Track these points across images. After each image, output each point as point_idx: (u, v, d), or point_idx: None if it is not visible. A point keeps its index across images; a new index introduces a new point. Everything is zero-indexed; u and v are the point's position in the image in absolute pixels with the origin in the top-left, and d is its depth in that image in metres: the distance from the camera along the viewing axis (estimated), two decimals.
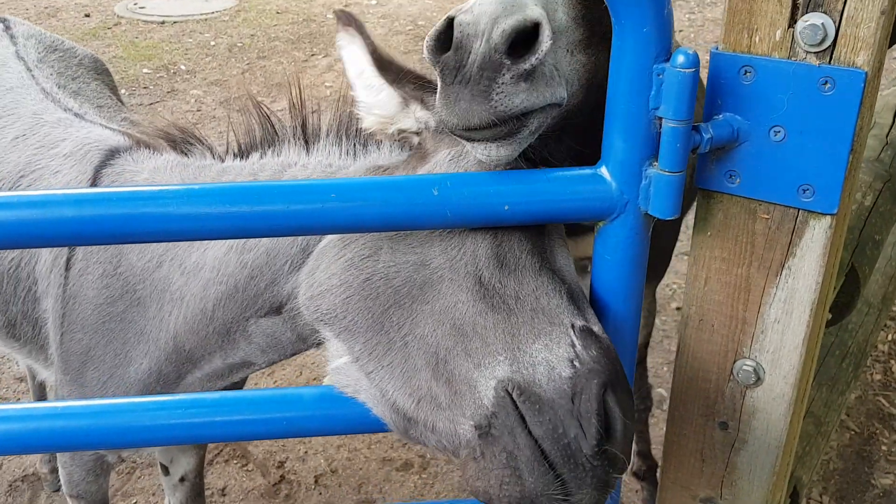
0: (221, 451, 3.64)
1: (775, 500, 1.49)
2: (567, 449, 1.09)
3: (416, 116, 1.44)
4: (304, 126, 1.60)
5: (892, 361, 4.21)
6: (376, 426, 1.37)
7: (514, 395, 1.13)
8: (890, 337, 4.39)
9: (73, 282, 1.80)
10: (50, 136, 2.07)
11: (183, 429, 1.36)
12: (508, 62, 1.14)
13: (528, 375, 1.13)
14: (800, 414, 1.44)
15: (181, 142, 1.80)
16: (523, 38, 1.15)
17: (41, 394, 3.42)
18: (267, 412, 1.38)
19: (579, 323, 1.17)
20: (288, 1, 9.51)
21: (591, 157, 1.30)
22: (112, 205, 1.15)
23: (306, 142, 1.60)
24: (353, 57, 1.50)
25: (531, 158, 1.33)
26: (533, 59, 1.14)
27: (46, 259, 1.91)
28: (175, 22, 8.76)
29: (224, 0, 9.44)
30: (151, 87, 7.26)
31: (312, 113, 1.60)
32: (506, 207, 1.20)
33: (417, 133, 1.44)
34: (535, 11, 1.15)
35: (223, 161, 1.71)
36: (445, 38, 1.18)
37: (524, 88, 1.16)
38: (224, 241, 1.58)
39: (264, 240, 1.53)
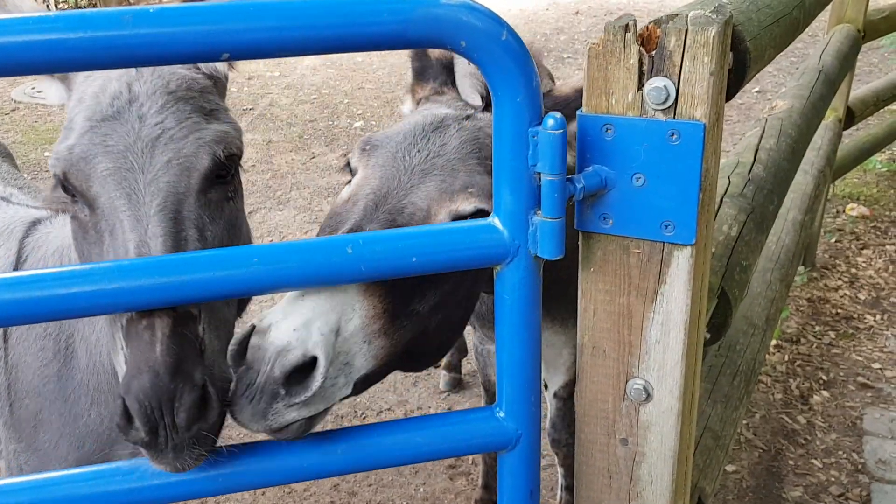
0: None
1: None
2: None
3: None
4: None
5: (791, 380, 4.52)
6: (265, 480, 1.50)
7: None
8: (786, 357, 4.71)
9: (12, 351, 1.85)
10: None
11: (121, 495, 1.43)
12: (283, 392, 1.36)
13: None
14: (690, 425, 1.61)
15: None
16: (303, 367, 1.37)
17: None
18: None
19: (123, 320, 1.39)
20: None
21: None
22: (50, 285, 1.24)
23: None
24: None
25: None
26: (304, 396, 1.37)
27: None
28: None
29: None
30: None
31: None
32: (413, 259, 1.35)
33: None
34: (316, 347, 1.37)
35: None
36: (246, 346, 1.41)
37: (298, 408, 1.39)
38: None
39: None
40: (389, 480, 3.85)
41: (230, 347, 1.41)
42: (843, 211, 6.40)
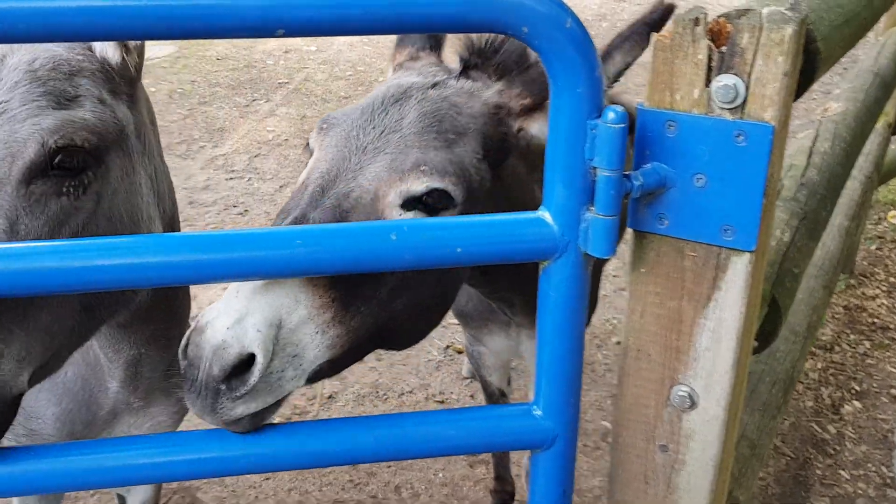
0: (170, 499, 3.61)
1: None
2: None
3: None
4: None
5: (823, 389, 4.43)
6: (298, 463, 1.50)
7: None
8: (819, 365, 4.62)
9: None
10: None
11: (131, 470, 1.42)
12: (224, 387, 1.34)
13: None
14: (733, 435, 1.56)
15: None
16: (243, 362, 1.35)
17: None
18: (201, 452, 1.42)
19: None
20: (228, 48, 9.59)
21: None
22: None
23: None
24: None
25: None
26: (243, 390, 1.35)
27: None
28: None
29: (163, 47, 9.45)
30: None
31: None
32: (458, 250, 1.30)
33: None
34: (252, 343, 1.34)
35: None
36: None
37: (244, 402, 1.36)
38: None
39: None
40: (409, 464, 3.83)
41: (181, 344, 1.40)
42: (885, 218, 6.25)
